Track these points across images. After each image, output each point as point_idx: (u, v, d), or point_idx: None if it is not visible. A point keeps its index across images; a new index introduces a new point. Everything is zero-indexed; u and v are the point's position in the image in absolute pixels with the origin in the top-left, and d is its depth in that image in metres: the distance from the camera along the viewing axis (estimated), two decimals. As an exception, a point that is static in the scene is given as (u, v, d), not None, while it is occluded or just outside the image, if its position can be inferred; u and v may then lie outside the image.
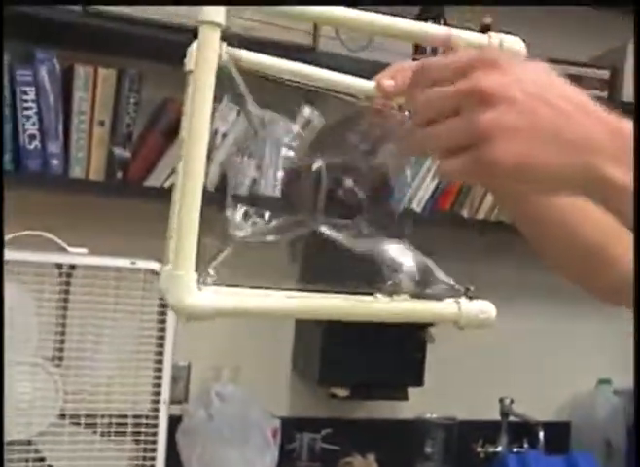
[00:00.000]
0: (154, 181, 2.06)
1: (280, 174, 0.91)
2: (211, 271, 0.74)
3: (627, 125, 0.63)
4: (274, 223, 0.80)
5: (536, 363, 2.51)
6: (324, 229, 0.84)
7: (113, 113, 2.02)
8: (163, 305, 1.64)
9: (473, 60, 0.61)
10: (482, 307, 0.80)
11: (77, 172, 1.99)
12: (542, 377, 2.51)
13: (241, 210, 0.80)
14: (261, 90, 0.77)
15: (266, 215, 0.81)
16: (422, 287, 0.82)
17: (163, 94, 2.10)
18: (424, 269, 0.88)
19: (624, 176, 0.61)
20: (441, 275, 0.89)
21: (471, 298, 0.80)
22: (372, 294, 0.79)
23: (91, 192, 2.06)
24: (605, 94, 2.37)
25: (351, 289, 0.80)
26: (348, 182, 0.91)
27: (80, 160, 2.00)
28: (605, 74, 2.37)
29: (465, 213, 2.29)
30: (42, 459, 1.55)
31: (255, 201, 0.81)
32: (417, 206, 2.27)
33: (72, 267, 1.60)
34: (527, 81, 0.61)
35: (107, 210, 2.13)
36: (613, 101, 2.39)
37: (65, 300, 1.59)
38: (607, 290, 0.96)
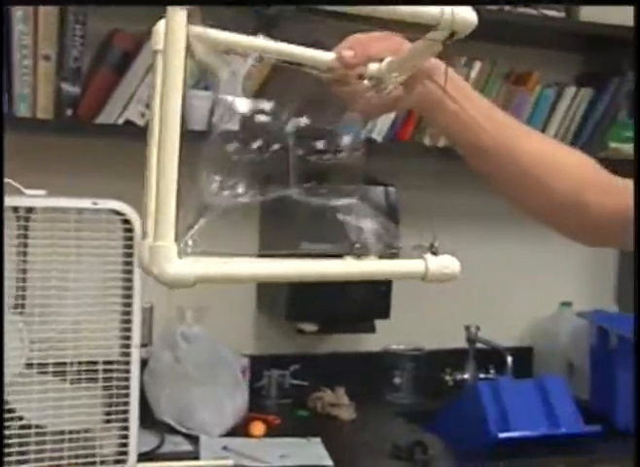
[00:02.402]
0: (106, 118, 1.97)
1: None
2: (189, 241, 0.77)
3: None
4: (247, 192, 0.81)
5: (499, 289, 2.52)
6: (295, 194, 0.85)
7: (58, 46, 1.91)
8: (128, 246, 1.58)
9: None
10: (446, 263, 0.83)
11: (23, 110, 1.89)
12: (505, 304, 2.52)
13: (215, 181, 0.81)
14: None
15: (240, 188, 0.81)
16: (387, 247, 0.86)
17: (111, 26, 2.00)
18: (387, 228, 0.91)
19: None
20: (403, 235, 0.91)
21: (435, 253, 0.84)
22: (339, 256, 0.81)
23: (40, 131, 1.96)
24: (562, 14, 2.33)
25: (321, 252, 0.82)
26: (319, 144, 0.91)
27: (25, 97, 1.89)
28: (563, -7, 2.33)
29: (427, 141, 2.25)
30: (11, 410, 1.49)
31: (228, 169, 0.81)
32: (378, 136, 2.23)
33: (29, 209, 1.51)
34: None
35: (58, 150, 2.03)
36: (570, 21, 2.36)
37: (25, 245, 1.51)
38: (580, 232, 1.02)
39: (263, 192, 0.80)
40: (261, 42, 0.89)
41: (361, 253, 0.83)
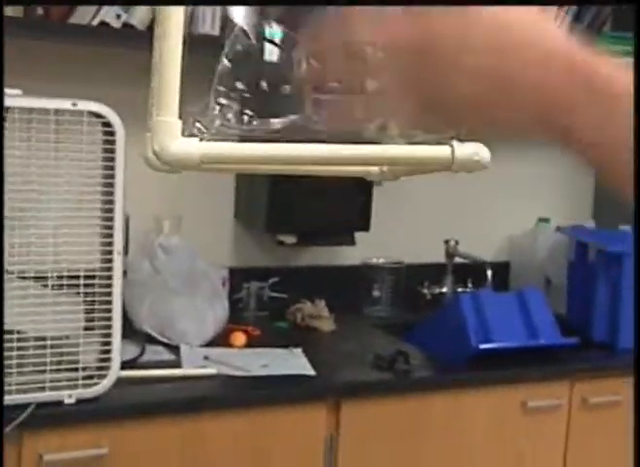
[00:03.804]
0: (79, 18, 1.88)
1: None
2: (198, 124, 0.73)
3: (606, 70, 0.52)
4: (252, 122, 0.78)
5: (478, 205, 2.51)
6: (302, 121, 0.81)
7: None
8: (109, 150, 1.52)
9: None
10: (476, 150, 0.80)
11: (-9, 8, 1.79)
12: (483, 219, 2.52)
13: (228, 109, 0.77)
14: None
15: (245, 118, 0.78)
16: (412, 135, 0.83)
17: None
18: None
19: (591, 131, 0.52)
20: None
21: (462, 141, 0.79)
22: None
23: (8, 30, 1.86)
24: None
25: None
26: None
27: (-7, -6, 1.79)
28: None
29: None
30: (-10, 316, 1.45)
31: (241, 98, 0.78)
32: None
33: (5, 109, 1.45)
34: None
35: (29, 51, 1.94)
36: None
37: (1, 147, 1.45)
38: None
39: (268, 122, 0.76)
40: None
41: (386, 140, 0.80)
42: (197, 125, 0.74)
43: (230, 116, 0.77)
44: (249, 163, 0.82)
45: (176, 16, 0.73)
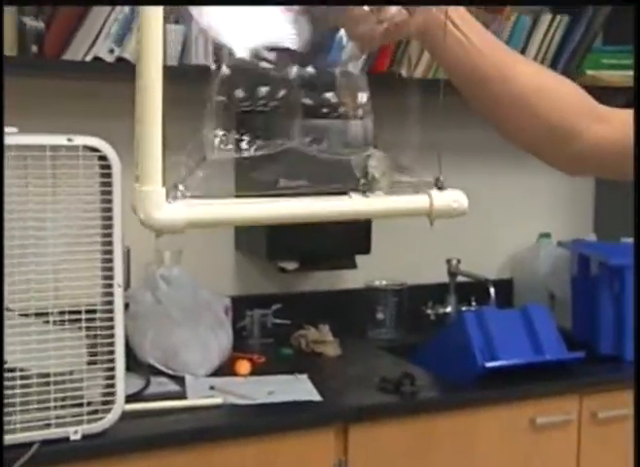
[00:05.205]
0: (73, 55, 1.89)
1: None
2: (181, 187, 0.74)
3: None
4: (251, 145, 0.79)
5: (478, 223, 2.51)
6: (297, 145, 0.83)
7: (17, -21, 1.82)
8: (106, 184, 1.53)
9: None
10: (454, 197, 0.81)
11: (-15, 48, 1.81)
12: (484, 237, 2.52)
13: (218, 136, 0.78)
14: None
15: (244, 142, 0.79)
16: (392, 183, 0.84)
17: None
18: (391, 165, 0.89)
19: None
20: (408, 171, 0.90)
21: (441, 188, 0.81)
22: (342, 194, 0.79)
23: (4, 68, 1.88)
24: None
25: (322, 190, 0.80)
26: (329, 95, 0.90)
27: (-13, 34, 1.81)
28: None
29: (404, 72, 2.20)
30: (-7, 355, 1.45)
31: (231, 122, 0.79)
32: (354, 68, 2.17)
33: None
34: None
35: (24, 89, 1.95)
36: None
37: (-2, 185, 1.45)
38: (568, 161, 1.01)
39: (266, 144, 0.76)
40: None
41: (365, 189, 0.82)
42: (180, 187, 0.75)
43: (229, 146, 0.78)
44: (234, 224, 0.84)
45: (156, 70, 0.71)
